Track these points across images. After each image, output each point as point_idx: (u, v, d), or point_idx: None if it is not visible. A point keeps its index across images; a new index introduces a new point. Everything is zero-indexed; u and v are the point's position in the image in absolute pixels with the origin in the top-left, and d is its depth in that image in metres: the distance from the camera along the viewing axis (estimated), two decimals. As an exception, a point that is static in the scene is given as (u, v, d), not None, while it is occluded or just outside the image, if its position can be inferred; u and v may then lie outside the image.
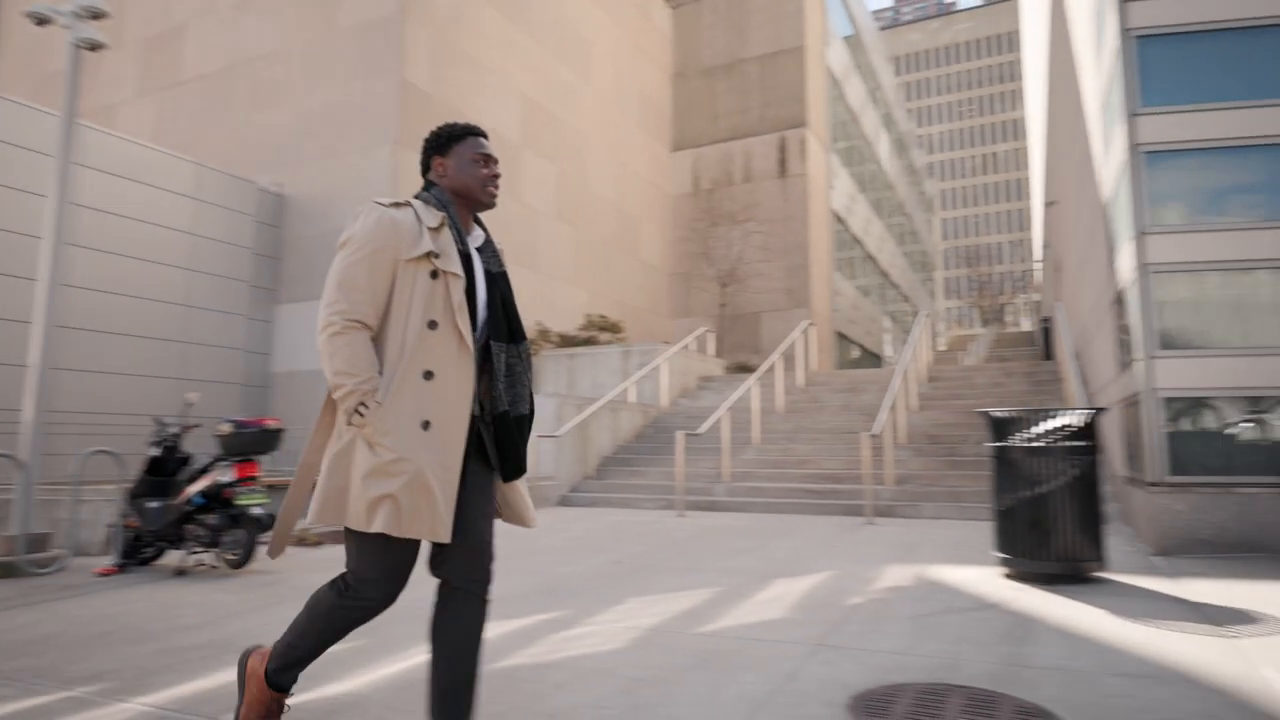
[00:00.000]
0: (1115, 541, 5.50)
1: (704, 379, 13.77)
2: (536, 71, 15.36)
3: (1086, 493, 4.49)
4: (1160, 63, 6.21)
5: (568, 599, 4.10)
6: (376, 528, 1.80)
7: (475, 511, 1.96)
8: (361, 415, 1.84)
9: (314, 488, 1.93)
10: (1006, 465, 4.68)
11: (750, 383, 10.49)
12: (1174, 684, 2.66)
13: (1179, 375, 5.87)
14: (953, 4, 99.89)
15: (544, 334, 14.00)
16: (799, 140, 19.15)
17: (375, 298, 1.90)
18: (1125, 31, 6.25)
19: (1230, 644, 3.15)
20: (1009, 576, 4.63)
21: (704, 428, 9.20)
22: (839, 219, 22.12)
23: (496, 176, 2.10)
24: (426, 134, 2.14)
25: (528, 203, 14.89)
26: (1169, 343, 5.95)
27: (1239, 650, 3.05)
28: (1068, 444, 4.53)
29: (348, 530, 1.90)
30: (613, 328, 15.29)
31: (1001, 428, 4.74)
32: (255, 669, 2.04)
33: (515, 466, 2.06)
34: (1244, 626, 3.43)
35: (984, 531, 5.88)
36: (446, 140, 2.09)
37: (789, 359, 12.54)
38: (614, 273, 17.73)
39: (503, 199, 12.38)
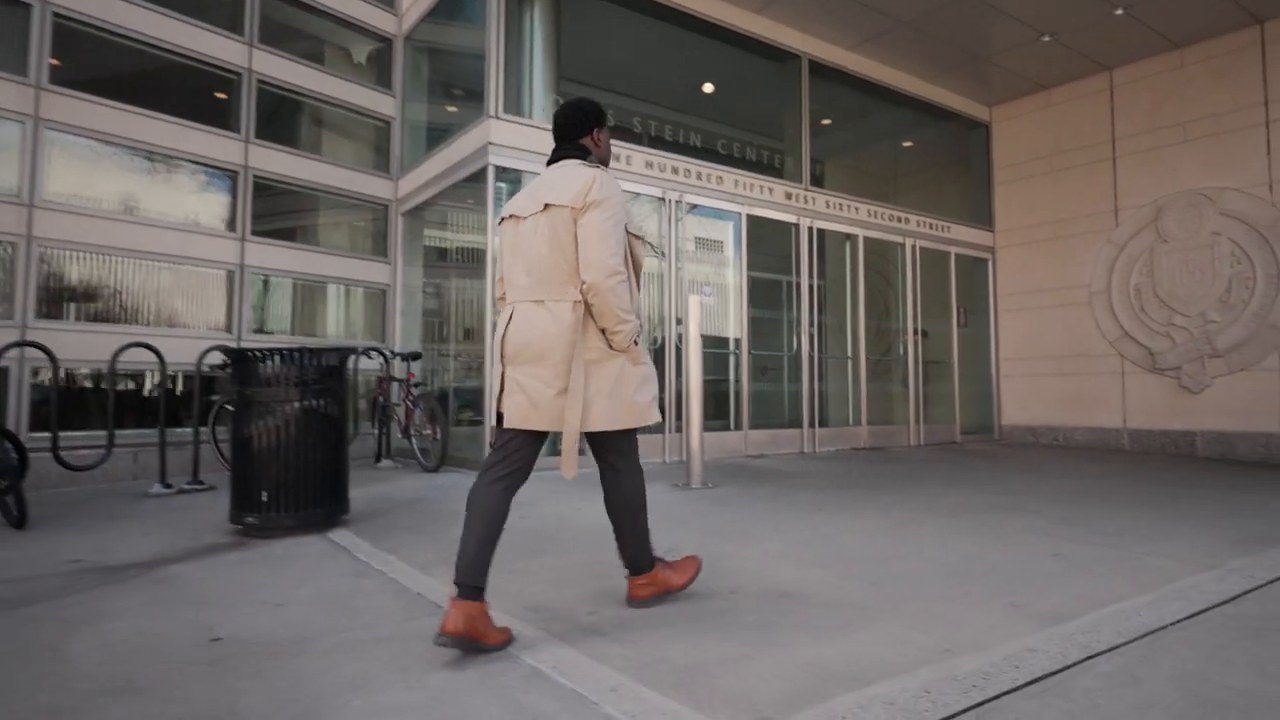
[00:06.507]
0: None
1: None
2: None
3: None
4: None
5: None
6: (654, 418, 2.40)
7: None
8: (637, 344, 2.35)
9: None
10: None
11: None
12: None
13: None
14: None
15: None
16: None
17: None
18: None
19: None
20: None
21: None
22: None
23: None
24: (579, 98, 2.53)
25: None
26: None
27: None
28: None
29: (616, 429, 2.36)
30: None
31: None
32: (667, 578, 2.54)
33: None
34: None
35: None
36: (603, 115, 2.51)
37: None
38: None
39: None
